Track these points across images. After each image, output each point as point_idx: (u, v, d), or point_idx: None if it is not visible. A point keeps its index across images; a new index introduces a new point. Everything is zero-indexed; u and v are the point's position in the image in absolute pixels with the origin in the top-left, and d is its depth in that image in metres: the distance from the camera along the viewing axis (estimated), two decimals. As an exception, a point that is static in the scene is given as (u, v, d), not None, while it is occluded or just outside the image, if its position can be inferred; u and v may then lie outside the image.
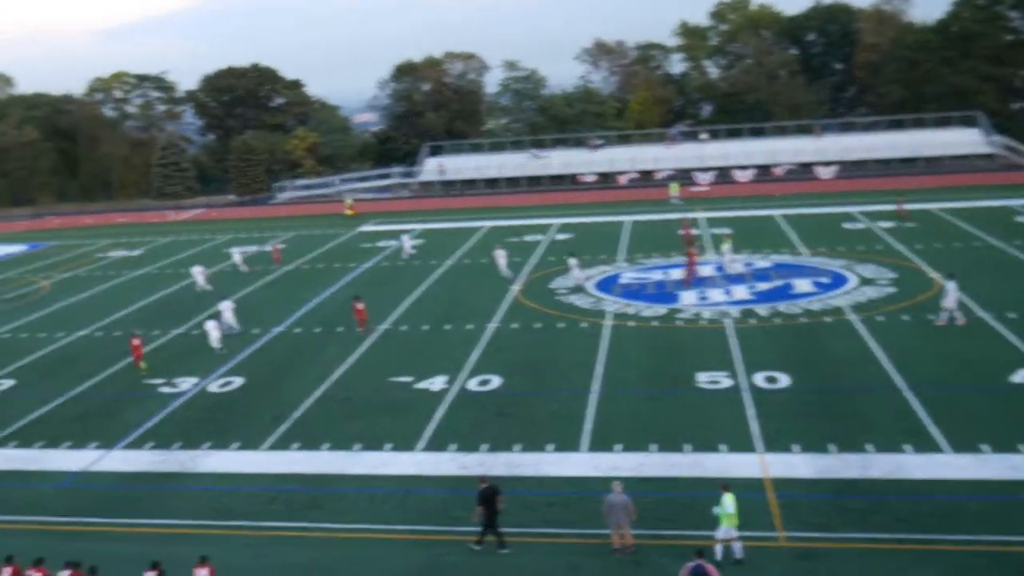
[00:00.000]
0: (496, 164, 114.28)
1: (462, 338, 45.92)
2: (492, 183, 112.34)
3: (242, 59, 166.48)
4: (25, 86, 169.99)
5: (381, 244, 75.76)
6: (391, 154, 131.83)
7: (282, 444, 33.95)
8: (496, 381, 39.09)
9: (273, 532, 27.40)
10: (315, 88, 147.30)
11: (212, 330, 47.14)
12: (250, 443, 34.22)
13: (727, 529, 24.09)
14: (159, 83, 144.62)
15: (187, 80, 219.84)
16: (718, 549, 24.06)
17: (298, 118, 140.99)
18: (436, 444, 32.90)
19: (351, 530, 27.14)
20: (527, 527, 26.45)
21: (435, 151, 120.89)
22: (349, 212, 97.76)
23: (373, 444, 33.25)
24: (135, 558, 25.39)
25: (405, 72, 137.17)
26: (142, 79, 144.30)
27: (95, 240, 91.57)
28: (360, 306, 48.70)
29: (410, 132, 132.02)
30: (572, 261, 57.21)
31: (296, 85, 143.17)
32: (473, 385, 38.79)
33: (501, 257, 60.69)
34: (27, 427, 37.61)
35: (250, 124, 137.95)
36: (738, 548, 24.07)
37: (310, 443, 33.78)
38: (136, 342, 45.18)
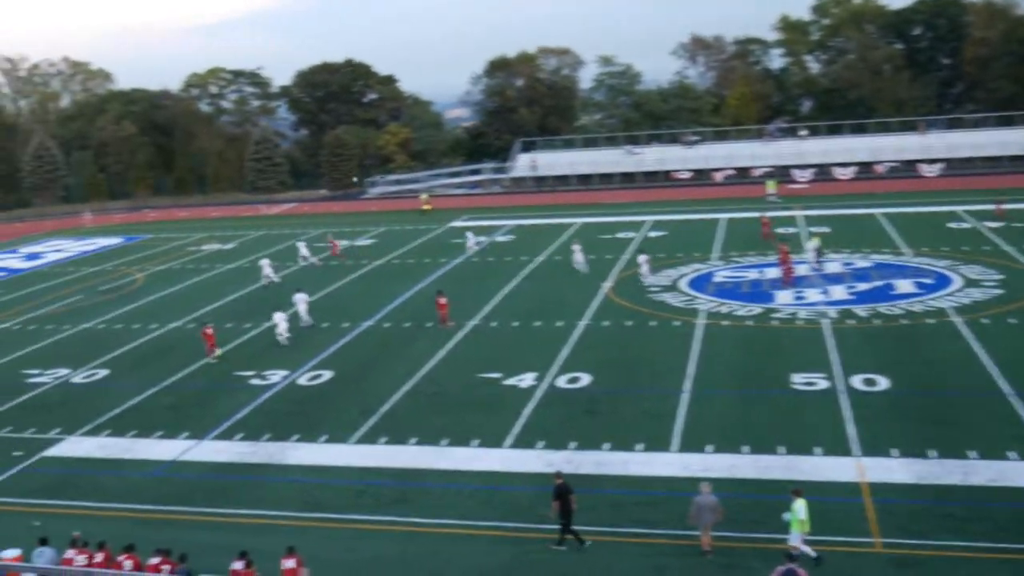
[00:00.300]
0: (589, 160, 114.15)
1: (552, 335, 45.93)
2: (585, 179, 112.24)
3: (336, 55, 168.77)
4: (123, 82, 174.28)
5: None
6: (483, 150, 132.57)
7: (370, 438, 34.33)
8: (586, 379, 39.02)
9: (360, 525, 27.71)
10: (408, 83, 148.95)
11: (280, 321, 48.20)
12: (338, 436, 34.66)
13: (799, 535, 23.72)
14: (254, 79, 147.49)
15: (281, 76, 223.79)
16: (804, 549, 23.66)
17: (391, 114, 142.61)
18: (524, 441, 32.96)
19: (438, 525, 27.31)
20: (615, 526, 26.37)
21: (528, 147, 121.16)
22: (426, 207, 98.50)
23: (461, 440, 33.44)
24: (223, 547, 25.89)
25: (498, 67, 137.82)
26: (237, 75, 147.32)
27: (189, 233, 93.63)
28: (442, 300, 49.08)
29: (502, 128, 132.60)
30: (642, 257, 56.96)
31: (389, 81, 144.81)
32: (562, 382, 38.77)
33: (578, 252, 61.01)
34: (120, 416, 38.60)
35: (343, 119, 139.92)
36: (807, 550, 23.65)
37: (398, 437, 34.10)
38: (208, 331, 46.42)
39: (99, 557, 24.80)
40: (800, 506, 23.77)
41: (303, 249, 71.99)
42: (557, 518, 25.42)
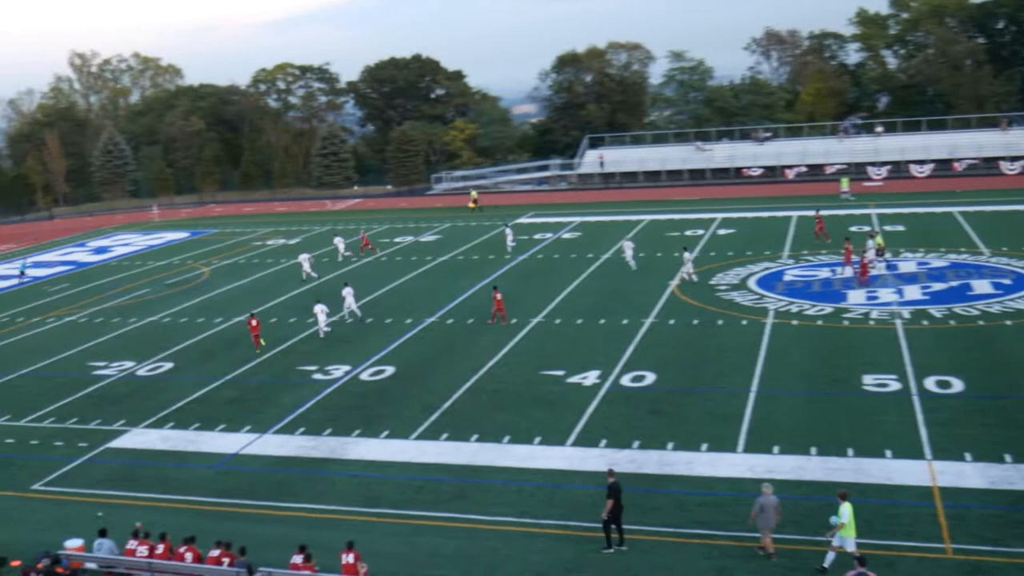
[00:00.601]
0: (658, 157, 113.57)
1: (617, 333, 45.81)
2: (653, 176, 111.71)
3: (404, 50, 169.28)
4: (192, 77, 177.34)
5: (537, 236, 76.20)
6: (550, 146, 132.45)
7: (431, 434, 34.50)
8: (650, 377, 38.86)
9: (420, 521, 27.85)
10: (476, 79, 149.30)
11: (320, 313, 49.27)
12: (399, 432, 34.89)
13: (842, 539, 23.45)
14: (321, 74, 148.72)
15: (349, 71, 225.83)
16: (834, 548, 23.54)
17: (458, 109, 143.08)
18: (586, 439, 32.91)
19: (497, 522, 27.38)
20: (678, 527, 26.24)
21: (595, 143, 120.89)
22: (473, 204, 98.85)
23: (522, 437, 33.48)
24: (283, 541, 26.27)
25: (567, 63, 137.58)
26: (305, 70, 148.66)
27: (255, 228, 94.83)
28: (499, 296, 49.32)
29: (570, 124, 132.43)
30: (686, 255, 56.77)
31: (457, 76, 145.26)
32: (626, 381, 38.65)
33: (628, 248, 61.42)
34: (183, 409, 39.23)
35: (409, 115, 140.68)
36: (831, 557, 23.48)
37: (459, 434, 34.23)
38: (254, 323, 47.56)
39: (160, 548, 25.24)
40: (846, 510, 23.50)
41: (340, 244, 73.64)
42: (607, 518, 25.37)
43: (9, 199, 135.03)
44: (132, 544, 25.44)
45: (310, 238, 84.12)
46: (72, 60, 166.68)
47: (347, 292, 52.54)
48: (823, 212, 70.29)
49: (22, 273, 74.24)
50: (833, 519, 23.59)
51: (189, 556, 24.65)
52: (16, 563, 26.35)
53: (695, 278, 55.59)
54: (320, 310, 49.50)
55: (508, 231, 73.13)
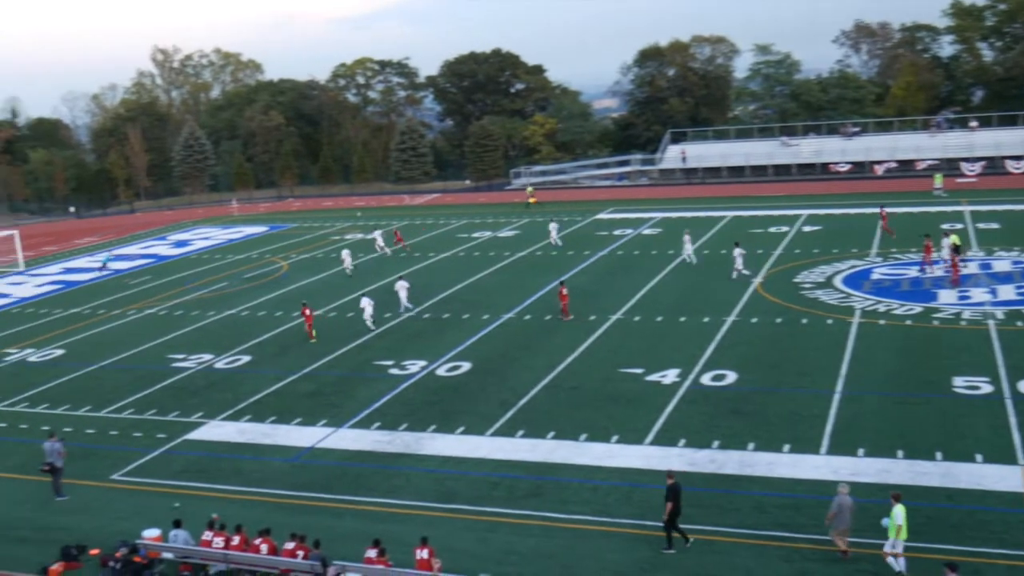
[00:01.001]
0: (742, 152, 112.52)
1: (697, 330, 45.51)
2: (736, 172, 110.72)
3: (484, 44, 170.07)
4: (272, 72, 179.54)
5: (617, 232, 75.96)
6: (631, 141, 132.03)
7: (507, 430, 34.59)
8: (731, 376, 38.55)
9: (495, 518, 27.94)
10: (556, 73, 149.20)
11: (367, 307, 50.65)
12: (475, 428, 35.03)
13: (894, 541, 23.19)
14: (401, 69, 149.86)
15: (428, 66, 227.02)
16: (891, 561, 23.22)
17: (538, 104, 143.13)
18: (665, 438, 32.74)
19: (573, 520, 27.36)
20: (758, 529, 25.99)
21: (677, 138, 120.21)
22: (531, 200, 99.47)
23: (600, 435, 33.42)
24: (357, 535, 26.57)
25: (650, 56, 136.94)
26: (384, 65, 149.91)
27: (333, 223, 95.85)
28: (564, 291, 49.66)
29: (652, 118, 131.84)
30: (737, 251, 56.42)
31: (538, 70, 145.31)
32: (707, 379, 38.39)
33: (688, 243, 61.97)
34: (260, 402, 39.80)
35: (489, 110, 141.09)
36: (901, 563, 23.10)
37: (535, 431, 34.26)
38: (307, 312, 49.32)
39: (236, 540, 25.65)
40: (899, 512, 23.21)
41: (379, 238, 75.45)
42: (666, 520, 25.35)
43: (92, 193, 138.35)
44: (208, 535, 25.90)
45: (402, 230, 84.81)
46: (155, 56, 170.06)
47: (400, 286, 53.64)
48: (888, 209, 69.23)
49: (104, 265, 75.99)
50: (884, 521, 23.41)
51: (264, 548, 25.02)
52: (95, 551, 27.02)
53: (747, 272, 55.80)
54: (367, 303, 50.93)
55: (552, 226, 73.90)
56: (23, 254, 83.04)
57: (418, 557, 23.86)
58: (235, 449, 34.99)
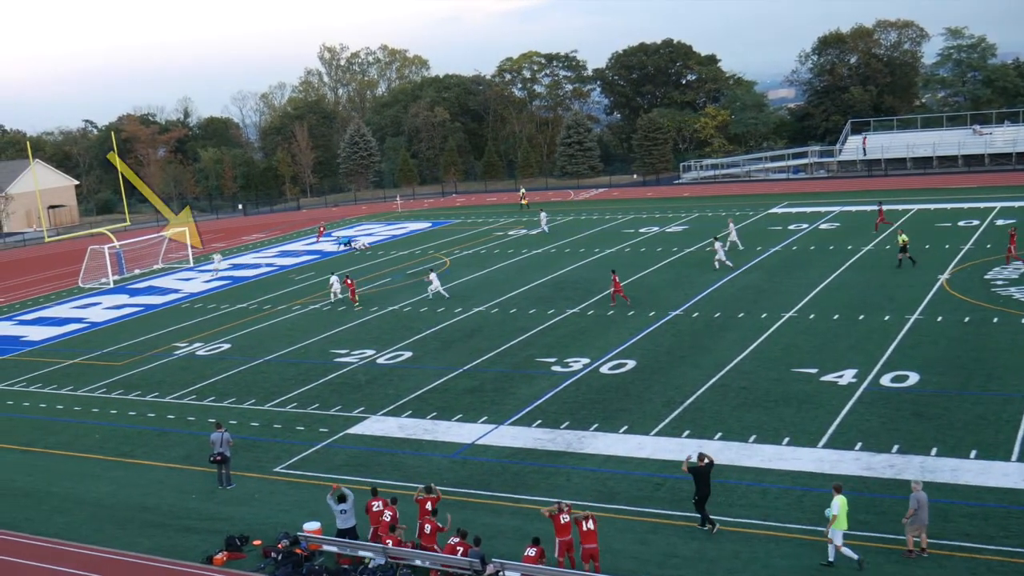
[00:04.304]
0: (929, 141, 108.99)
1: (877, 329, 44.20)
2: (922, 163, 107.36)
3: (654, 35, 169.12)
4: (438, 68, 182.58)
5: (792, 227, 74.44)
6: (808, 132, 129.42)
7: (672, 430, 34.21)
8: (913, 377, 37.28)
9: (657, 519, 27.65)
10: (731, 63, 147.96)
11: (435, 280, 58.67)
12: (639, 427, 34.77)
13: (833, 531, 24.15)
14: (568, 62, 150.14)
15: (596, 58, 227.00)
16: (831, 548, 24.25)
17: (710, 95, 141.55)
18: (840, 441, 31.87)
19: (740, 524, 26.86)
20: (941, 539, 24.99)
21: (858, 128, 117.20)
22: (524, 202, 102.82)
23: (770, 437, 32.76)
24: (517, 533, 26.72)
25: (830, 43, 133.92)
26: (551, 58, 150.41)
27: (496, 219, 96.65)
28: (617, 279, 52.64)
29: (831, 108, 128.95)
30: (719, 243, 60.54)
31: (711, 61, 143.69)
32: (886, 381, 37.22)
33: (733, 232, 65.15)
34: (421, 398, 40.37)
35: (658, 102, 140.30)
36: (831, 551, 24.21)
37: (701, 431, 33.81)
38: (349, 281, 56.94)
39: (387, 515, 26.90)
40: (837, 502, 24.19)
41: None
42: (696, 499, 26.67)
43: (260, 190, 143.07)
44: (377, 505, 27.24)
45: (569, 225, 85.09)
46: (322, 54, 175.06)
47: (433, 277, 58.73)
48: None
49: (349, 244, 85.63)
50: (827, 512, 24.39)
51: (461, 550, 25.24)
52: (257, 542, 27.96)
53: (729, 264, 59.24)
54: (434, 277, 58.50)
55: (543, 215, 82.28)
56: (192, 251, 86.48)
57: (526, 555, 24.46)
58: (396, 444, 35.57)
